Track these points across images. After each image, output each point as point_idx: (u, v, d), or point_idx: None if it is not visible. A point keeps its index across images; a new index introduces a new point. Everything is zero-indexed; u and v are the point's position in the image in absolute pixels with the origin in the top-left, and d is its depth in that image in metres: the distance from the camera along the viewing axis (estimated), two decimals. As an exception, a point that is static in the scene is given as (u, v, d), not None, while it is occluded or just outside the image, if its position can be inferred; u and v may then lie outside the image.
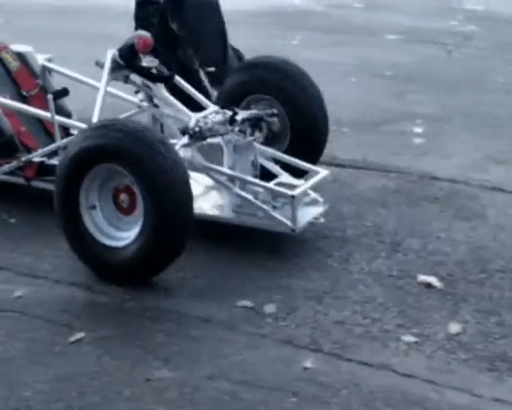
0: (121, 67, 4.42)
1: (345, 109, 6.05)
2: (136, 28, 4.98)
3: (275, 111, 4.58)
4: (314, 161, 4.65)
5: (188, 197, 3.64)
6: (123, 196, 3.78)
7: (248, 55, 5.49)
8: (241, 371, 3.17)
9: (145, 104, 4.63)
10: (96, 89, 4.41)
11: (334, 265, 3.97)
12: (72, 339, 3.39)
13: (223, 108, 4.55)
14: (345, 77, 7.04)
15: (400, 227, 4.34)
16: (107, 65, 4.35)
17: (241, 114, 4.35)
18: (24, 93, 4.74)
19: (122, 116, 4.56)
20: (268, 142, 4.61)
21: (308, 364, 3.21)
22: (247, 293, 3.70)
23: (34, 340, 3.39)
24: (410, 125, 5.83)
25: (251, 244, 4.15)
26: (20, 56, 4.86)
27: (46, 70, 4.94)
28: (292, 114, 4.66)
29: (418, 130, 5.76)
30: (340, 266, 3.96)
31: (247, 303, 3.62)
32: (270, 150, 4.49)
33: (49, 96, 4.33)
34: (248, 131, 4.32)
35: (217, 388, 3.07)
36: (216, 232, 4.19)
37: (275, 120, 4.62)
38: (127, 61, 4.38)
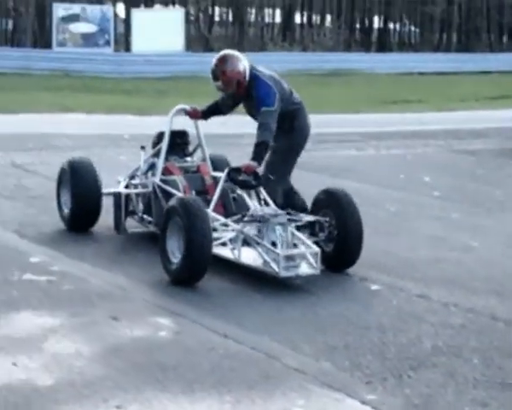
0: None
1: None
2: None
3: (327, 219, 6.96)
4: (344, 267, 6.97)
5: (206, 244, 6.51)
6: None
7: None
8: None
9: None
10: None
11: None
12: None
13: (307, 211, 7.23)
14: None
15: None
16: (223, 178, 7.30)
17: (307, 217, 6.97)
18: (207, 196, 7.61)
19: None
20: (328, 240, 6.96)
21: None
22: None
23: None
24: None
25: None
26: (214, 177, 7.82)
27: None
28: (336, 235, 6.91)
29: None
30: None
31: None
32: (297, 233, 6.76)
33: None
34: (317, 229, 7.01)
35: None
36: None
37: (332, 227, 6.95)
38: (228, 175, 7.21)
